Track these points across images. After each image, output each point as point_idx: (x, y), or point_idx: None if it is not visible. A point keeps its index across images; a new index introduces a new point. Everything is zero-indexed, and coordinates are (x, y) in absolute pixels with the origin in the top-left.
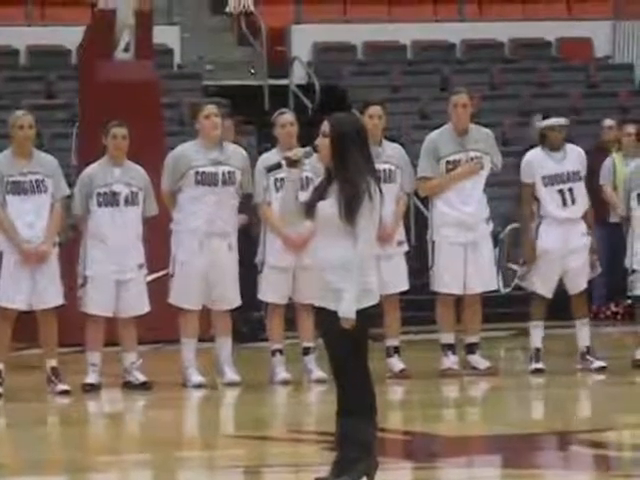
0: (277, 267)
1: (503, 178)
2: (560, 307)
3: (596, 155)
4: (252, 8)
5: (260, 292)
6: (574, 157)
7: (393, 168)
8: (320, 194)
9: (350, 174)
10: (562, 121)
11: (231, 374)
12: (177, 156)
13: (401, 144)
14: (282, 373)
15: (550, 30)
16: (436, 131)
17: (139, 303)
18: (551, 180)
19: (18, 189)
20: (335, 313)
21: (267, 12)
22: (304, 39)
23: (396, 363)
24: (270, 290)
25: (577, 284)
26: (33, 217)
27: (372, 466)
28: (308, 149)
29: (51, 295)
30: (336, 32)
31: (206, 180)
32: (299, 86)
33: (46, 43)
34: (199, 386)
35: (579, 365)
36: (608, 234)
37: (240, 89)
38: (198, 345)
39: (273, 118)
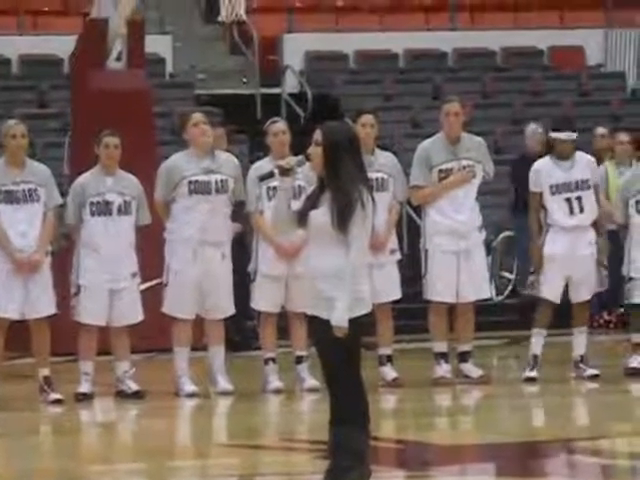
0: (270, 276)
1: (495, 186)
2: (557, 315)
3: None
4: (244, 17)
5: (253, 301)
6: (583, 165)
7: (385, 177)
8: (312, 203)
9: (342, 183)
10: (573, 136)
11: (224, 383)
12: (169, 167)
13: (393, 153)
14: (275, 382)
15: (542, 39)
16: (428, 140)
17: (132, 312)
18: (559, 189)
19: (11, 198)
20: (328, 322)
21: (259, 21)
22: (296, 48)
23: (389, 372)
24: (263, 299)
25: (581, 293)
26: (26, 226)
27: (365, 475)
28: (300, 158)
29: (44, 304)
30: (328, 41)
31: (199, 189)
32: (291, 95)
33: (38, 52)
34: (192, 395)
35: (572, 373)
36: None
37: (232, 98)
38: (191, 354)
39: (265, 127)
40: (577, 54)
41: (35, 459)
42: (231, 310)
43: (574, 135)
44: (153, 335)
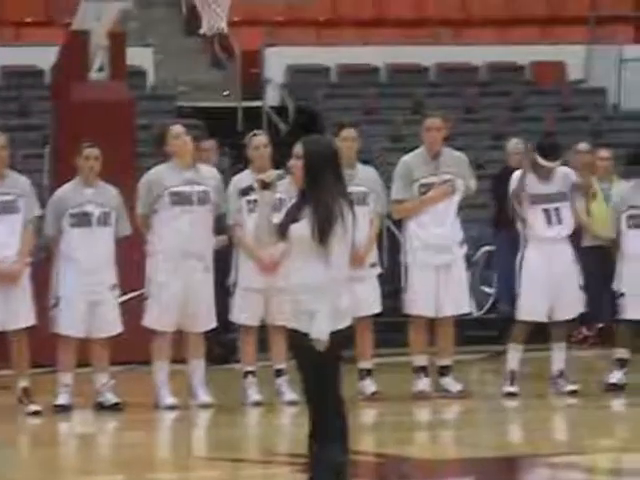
0: (249, 289)
1: (476, 201)
2: (536, 330)
3: None
4: (226, 30)
5: (232, 314)
6: (560, 177)
7: (366, 190)
8: (293, 216)
9: (323, 196)
10: (557, 164)
11: (204, 396)
12: (151, 180)
13: (374, 166)
14: (254, 395)
15: (524, 54)
16: (410, 154)
17: (111, 324)
18: (538, 199)
19: None
20: (308, 335)
21: (241, 34)
22: (278, 61)
23: (369, 385)
24: (242, 312)
25: (562, 313)
26: (5, 237)
27: None
28: (281, 172)
29: (23, 315)
30: (310, 54)
31: (181, 200)
32: (273, 108)
33: (20, 63)
34: (171, 407)
35: (551, 388)
36: (581, 258)
37: (214, 110)
38: (171, 366)
39: (246, 140)
40: (558, 69)
41: (13, 471)
42: (212, 323)
43: (558, 163)
44: (133, 347)
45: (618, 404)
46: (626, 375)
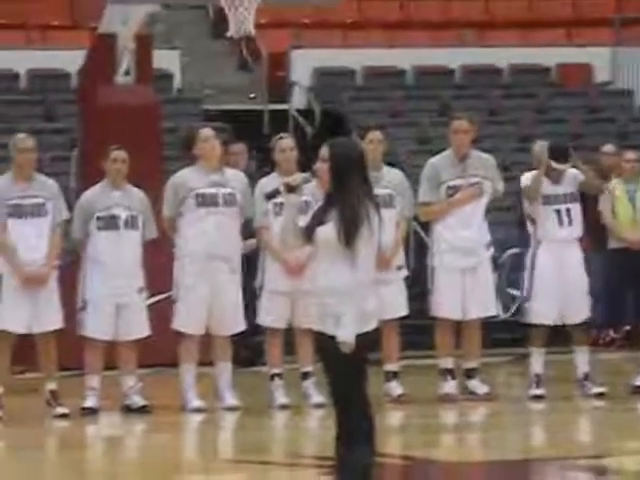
0: (276, 291)
1: (503, 203)
2: (558, 332)
3: None
4: (253, 33)
5: (259, 317)
6: (570, 178)
7: (393, 193)
8: (319, 219)
9: (349, 199)
10: (567, 166)
11: (230, 399)
12: (177, 182)
13: (400, 169)
14: (281, 398)
15: (549, 56)
16: (437, 156)
17: (139, 327)
18: (549, 200)
19: (19, 212)
20: (334, 337)
21: (267, 37)
22: (304, 64)
23: (395, 388)
24: (269, 314)
25: (574, 316)
26: (33, 240)
27: None
28: (307, 175)
29: (51, 318)
30: (336, 57)
31: (206, 201)
32: (299, 111)
33: (46, 67)
34: (198, 410)
35: (578, 391)
36: (606, 260)
37: (240, 113)
38: (198, 369)
39: (273, 143)
40: (585, 71)
41: (41, 474)
42: (240, 326)
43: (568, 166)
44: (160, 349)
45: None
46: None
